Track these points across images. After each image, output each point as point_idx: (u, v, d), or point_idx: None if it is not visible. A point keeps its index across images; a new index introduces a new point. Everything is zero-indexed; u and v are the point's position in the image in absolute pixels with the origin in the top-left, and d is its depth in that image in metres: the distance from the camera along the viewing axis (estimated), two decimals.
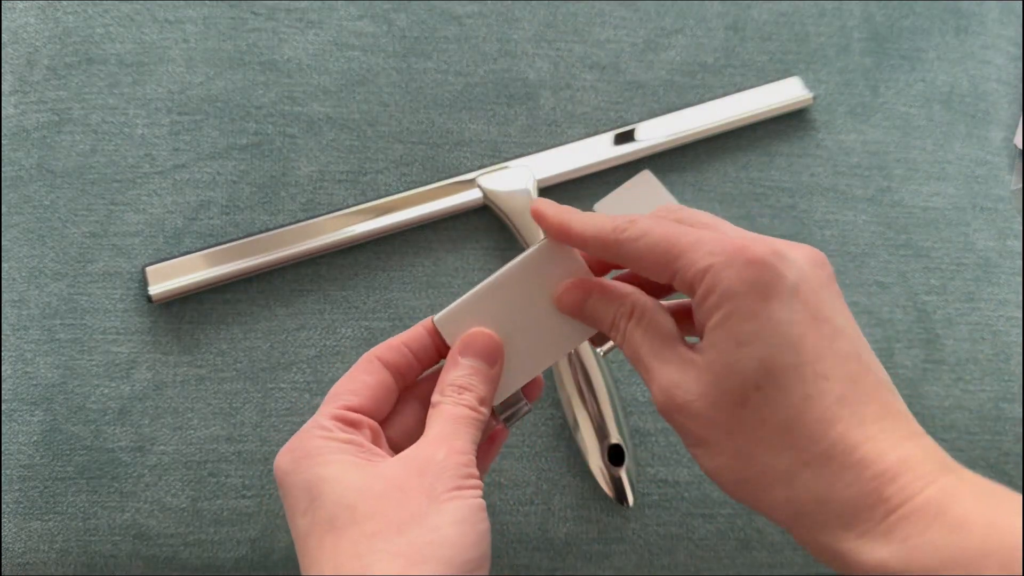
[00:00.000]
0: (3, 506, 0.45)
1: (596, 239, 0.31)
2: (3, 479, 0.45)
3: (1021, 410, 0.53)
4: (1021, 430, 0.53)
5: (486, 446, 0.36)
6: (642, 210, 0.43)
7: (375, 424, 0.33)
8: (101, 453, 0.46)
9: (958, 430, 0.52)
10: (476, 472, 0.30)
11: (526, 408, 0.36)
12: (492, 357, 0.33)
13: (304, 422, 0.47)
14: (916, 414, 0.53)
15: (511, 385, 0.35)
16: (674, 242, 0.29)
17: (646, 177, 0.52)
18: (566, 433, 0.49)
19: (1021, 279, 0.56)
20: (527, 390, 0.36)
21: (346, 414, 0.32)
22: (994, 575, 0.22)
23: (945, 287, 0.55)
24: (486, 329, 0.34)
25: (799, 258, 0.29)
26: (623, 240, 0.30)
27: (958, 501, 0.25)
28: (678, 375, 0.29)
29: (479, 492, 0.30)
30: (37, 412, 0.46)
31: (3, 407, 0.46)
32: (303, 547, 0.29)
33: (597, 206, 0.51)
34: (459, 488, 0.29)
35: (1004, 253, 0.56)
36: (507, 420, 0.35)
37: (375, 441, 0.32)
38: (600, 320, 0.33)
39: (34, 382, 0.46)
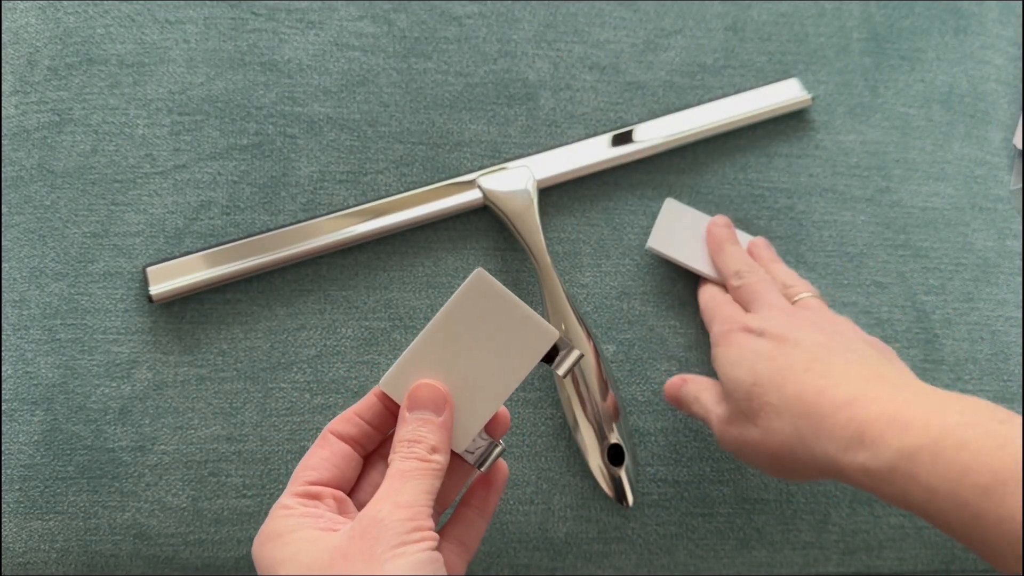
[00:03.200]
0: (3, 506, 0.45)
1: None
2: (3, 479, 0.45)
3: (1021, 410, 0.53)
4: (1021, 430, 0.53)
5: (483, 491, 0.37)
6: (687, 234, 0.52)
7: (339, 493, 0.34)
8: (102, 453, 0.46)
9: None
10: (426, 524, 0.31)
11: (498, 448, 0.36)
12: (438, 405, 0.34)
13: (304, 422, 0.48)
14: None
15: (472, 427, 0.35)
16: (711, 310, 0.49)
17: (672, 205, 0.53)
18: (566, 433, 0.49)
19: (1020, 279, 0.56)
20: (491, 429, 0.36)
21: (307, 488, 0.33)
22: (926, 463, 0.32)
23: (944, 287, 0.55)
24: (427, 380, 0.35)
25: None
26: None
27: (904, 409, 0.34)
28: (709, 407, 0.45)
29: (428, 544, 0.31)
30: (38, 412, 0.46)
31: (4, 407, 0.46)
32: None
33: (649, 246, 0.52)
34: (402, 544, 0.30)
35: (1003, 253, 0.56)
36: (481, 464, 0.36)
37: (341, 509, 0.34)
38: (687, 395, 0.46)
39: (35, 382, 0.46)
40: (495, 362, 0.35)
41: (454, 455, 0.36)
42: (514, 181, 0.51)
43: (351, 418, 0.35)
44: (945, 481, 0.31)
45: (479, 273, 0.35)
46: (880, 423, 0.34)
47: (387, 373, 0.35)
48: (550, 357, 0.36)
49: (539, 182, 0.51)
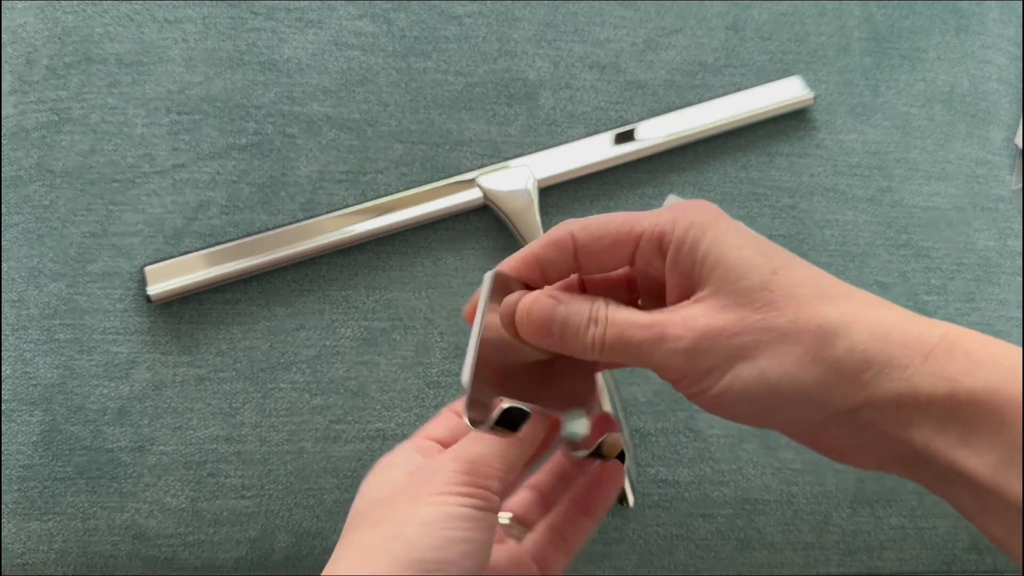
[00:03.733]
0: (2, 506, 0.45)
1: (562, 253, 0.32)
2: (2, 479, 0.45)
3: (1020, 409, 0.53)
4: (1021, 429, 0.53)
5: (588, 489, 0.35)
6: None
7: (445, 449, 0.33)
8: (100, 453, 0.46)
9: None
10: (483, 483, 0.30)
11: (610, 441, 0.34)
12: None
13: (303, 422, 0.48)
14: None
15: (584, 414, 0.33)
16: (629, 219, 0.31)
17: (673, 202, 0.52)
18: None
19: (1021, 279, 0.56)
20: (601, 425, 0.34)
21: (421, 441, 0.33)
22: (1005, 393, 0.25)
23: (946, 287, 0.55)
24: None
25: None
26: (581, 239, 0.31)
27: (963, 342, 0.26)
28: (688, 309, 0.29)
29: (471, 501, 0.29)
30: (36, 412, 0.46)
31: (2, 407, 0.46)
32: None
33: None
34: (444, 493, 0.29)
35: (1005, 253, 0.56)
36: (571, 451, 0.34)
37: None
38: (575, 321, 0.30)
39: (33, 382, 0.46)
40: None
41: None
42: (514, 180, 0.51)
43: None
44: None
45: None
46: (971, 339, 0.26)
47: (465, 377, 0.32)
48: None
49: (540, 181, 0.51)
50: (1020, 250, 0.56)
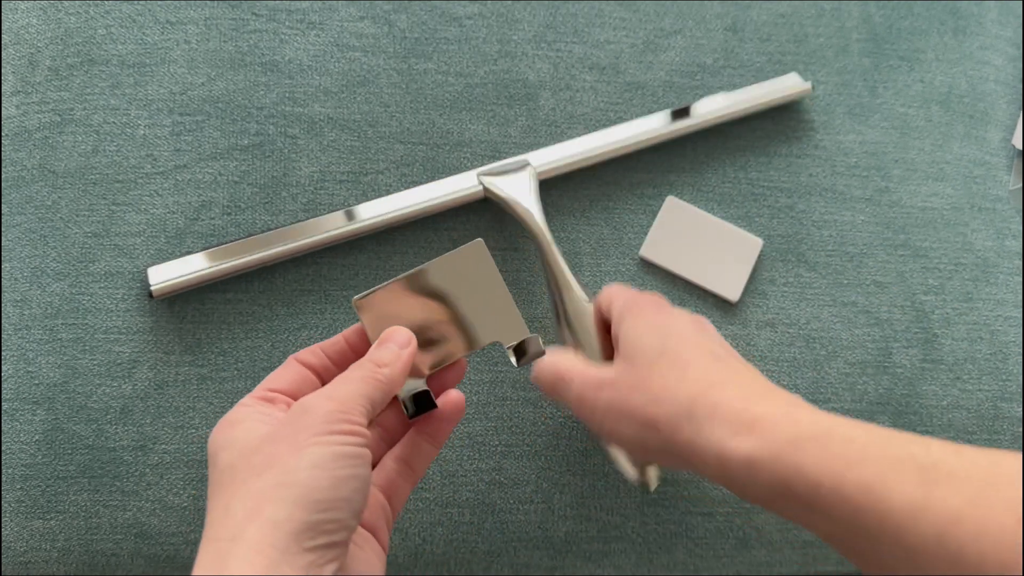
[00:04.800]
0: (5, 505, 0.45)
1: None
2: (5, 478, 0.45)
3: (1020, 409, 0.53)
4: (1020, 429, 0.53)
5: (436, 420, 0.38)
6: (687, 237, 0.52)
7: (292, 400, 0.35)
8: (103, 452, 0.46)
9: (956, 429, 0.52)
10: (355, 419, 0.32)
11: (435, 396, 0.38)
12: (403, 342, 0.37)
13: None
14: (914, 413, 0.54)
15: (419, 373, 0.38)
16: (613, 296, 0.44)
17: (674, 204, 0.53)
18: (566, 432, 0.49)
19: (1019, 279, 0.56)
20: (444, 377, 0.39)
21: (265, 393, 0.35)
22: (814, 452, 0.31)
23: (943, 287, 0.55)
24: (399, 326, 0.37)
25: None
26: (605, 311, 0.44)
27: (795, 408, 0.34)
28: (597, 369, 0.40)
29: (351, 439, 0.32)
30: (39, 411, 0.46)
31: (5, 406, 0.46)
32: (208, 506, 0.32)
33: (641, 254, 0.52)
34: (326, 434, 0.31)
35: (1002, 253, 0.56)
36: (414, 409, 0.38)
37: None
38: (541, 365, 0.42)
39: (36, 381, 0.47)
40: (460, 327, 0.38)
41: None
42: (513, 169, 0.51)
43: (315, 350, 0.38)
44: (829, 473, 0.30)
45: (479, 243, 0.39)
46: (772, 415, 0.33)
47: (362, 293, 0.38)
48: (519, 351, 0.39)
49: (539, 172, 0.51)
50: (1018, 250, 0.57)
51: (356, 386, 0.34)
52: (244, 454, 0.32)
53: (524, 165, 0.51)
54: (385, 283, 0.38)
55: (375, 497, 0.36)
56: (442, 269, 0.38)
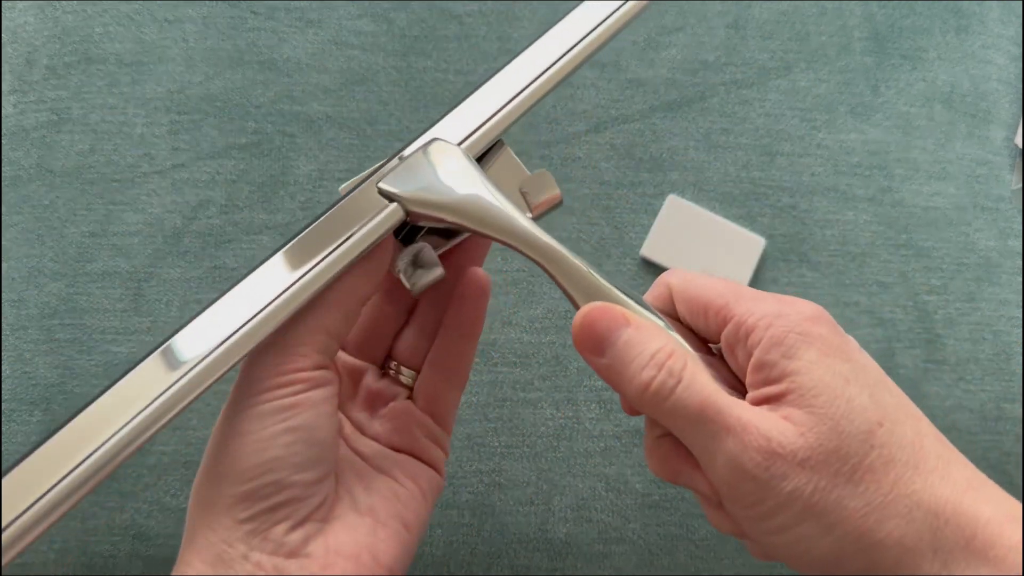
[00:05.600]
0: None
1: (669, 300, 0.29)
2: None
3: (1022, 410, 0.53)
4: (1022, 430, 0.52)
5: (457, 305, 0.32)
6: (688, 236, 0.48)
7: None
8: None
9: (959, 430, 0.52)
10: (292, 368, 0.28)
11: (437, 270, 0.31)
12: None
13: None
14: None
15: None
16: (728, 293, 0.27)
17: (675, 203, 0.53)
18: (566, 433, 0.49)
19: (1022, 279, 0.56)
20: (459, 257, 0.32)
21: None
22: None
23: (946, 287, 0.54)
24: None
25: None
26: (677, 294, 0.28)
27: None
28: (774, 424, 0.24)
29: (282, 392, 0.28)
30: (36, 412, 0.46)
31: (2, 407, 0.46)
32: None
33: (642, 254, 0.52)
34: (253, 395, 0.28)
35: (1005, 253, 0.56)
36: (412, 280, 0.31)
37: None
38: (636, 353, 0.26)
39: (33, 382, 0.46)
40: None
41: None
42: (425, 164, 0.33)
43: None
44: None
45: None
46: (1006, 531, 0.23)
47: (349, 182, 0.33)
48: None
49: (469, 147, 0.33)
50: (1020, 250, 0.56)
51: (302, 324, 0.28)
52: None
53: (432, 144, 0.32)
54: (371, 168, 0.32)
55: (412, 419, 0.32)
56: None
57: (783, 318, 0.25)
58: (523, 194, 0.32)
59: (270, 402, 0.28)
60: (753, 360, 0.25)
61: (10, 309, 0.47)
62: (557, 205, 0.31)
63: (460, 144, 0.33)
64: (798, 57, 0.57)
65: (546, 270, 0.28)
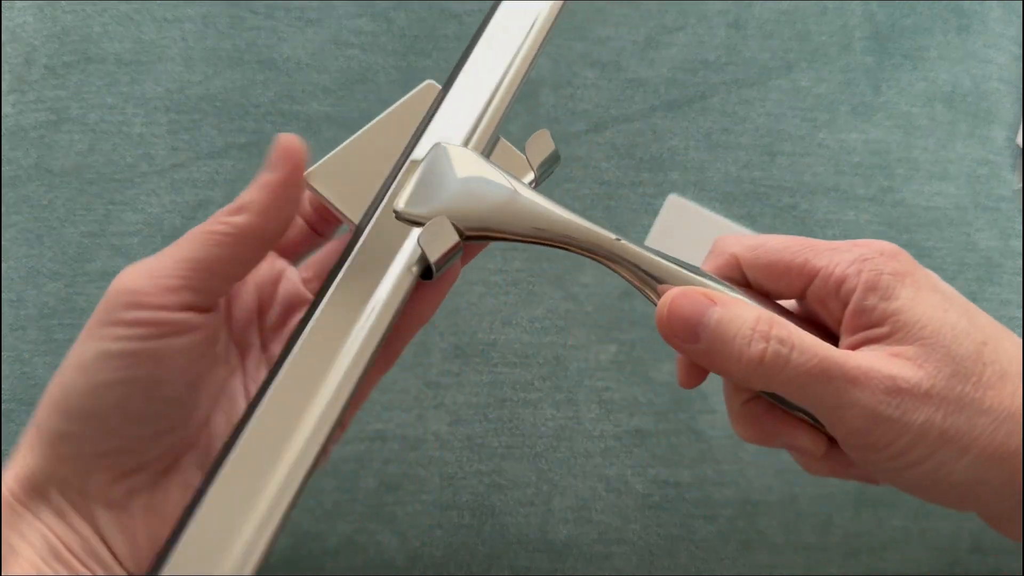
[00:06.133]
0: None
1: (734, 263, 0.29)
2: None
3: (1022, 410, 0.53)
4: (1022, 430, 0.52)
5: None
6: (688, 236, 0.47)
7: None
8: None
9: None
10: (153, 304, 0.25)
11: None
12: (278, 164, 0.27)
13: None
14: None
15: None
16: (804, 249, 0.27)
17: (676, 202, 0.52)
18: (566, 434, 0.49)
19: (1023, 279, 0.56)
20: None
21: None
22: None
23: None
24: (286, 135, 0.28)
25: None
26: (748, 261, 0.28)
27: None
28: (892, 363, 0.24)
29: (133, 332, 0.24)
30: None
31: (1, 408, 0.46)
32: None
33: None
34: (104, 324, 0.25)
35: (1006, 253, 0.56)
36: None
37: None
38: (734, 330, 0.25)
39: (32, 383, 0.46)
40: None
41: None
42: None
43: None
44: None
45: (430, 84, 0.33)
46: None
47: (314, 166, 0.31)
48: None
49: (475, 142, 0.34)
50: (1021, 250, 0.56)
51: (178, 249, 0.26)
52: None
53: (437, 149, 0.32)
54: (336, 149, 0.31)
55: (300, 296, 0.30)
56: (396, 119, 0.33)
57: (869, 261, 0.26)
58: (526, 155, 0.33)
59: (116, 341, 0.24)
60: (851, 308, 0.26)
61: (9, 309, 0.47)
62: (556, 161, 0.33)
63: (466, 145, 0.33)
64: (799, 56, 0.57)
65: (609, 266, 0.28)
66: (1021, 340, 0.26)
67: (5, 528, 0.25)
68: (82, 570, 0.25)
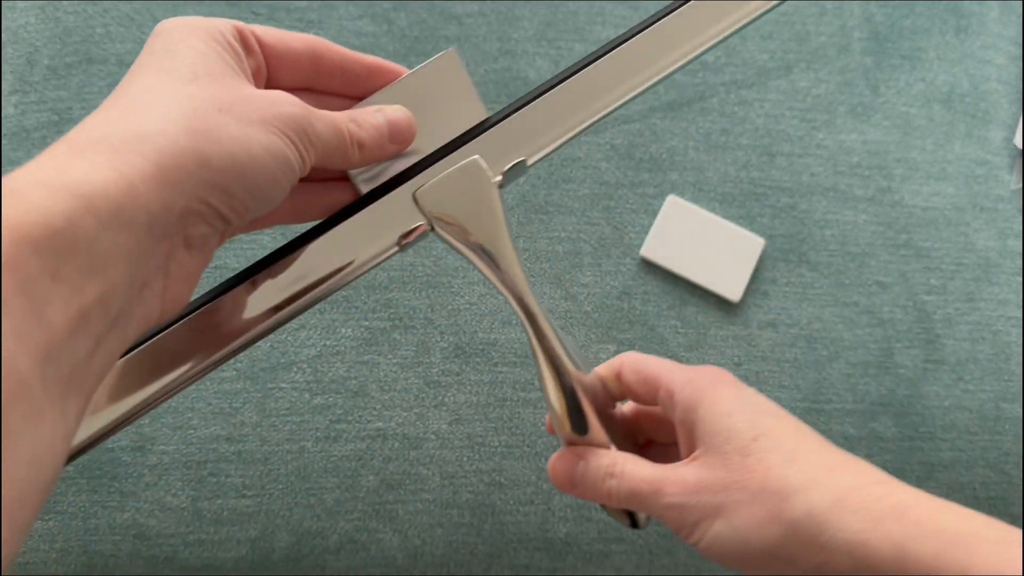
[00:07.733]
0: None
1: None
2: None
3: (1021, 410, 0.53)
4: (1021, 430, 0.53)
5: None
6: (687, 236, 0.50)
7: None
8: (101, 453, 0.46)
9: (958, 430, 0.52)
10: (306, 139, 0.29)
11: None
12: (391, 122, 0.32)
13: (303, 422, 0.48)
14: (916, 414, 0.53)
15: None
16: (664, 370, 0.35)
17: (675, 203, 0.53)
18: None
19: (1021, 279, 0.56)
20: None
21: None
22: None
23: (945, 287, 0.55)
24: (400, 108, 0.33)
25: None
26: (625, 372, 0.36)
27: (913, 510, 0.29)
28: (683, 468, 0.32)
29: (292, 145, 0.28)
30: None
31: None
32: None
33: (642, 254, 0.52)
34: (266, 122, 0.28)
35: (1004, 253, 0.56)
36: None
37: None
38: (593, 476, 0.34)
39: None
40: (430, 134, 0.34)
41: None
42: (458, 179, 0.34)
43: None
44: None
45: (450, 53, 0.35)
46: (921, 507, 0.29)
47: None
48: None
49: (503, 175, 0.34)
50: (1019, 250, 0.56)
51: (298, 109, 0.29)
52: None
53: (472, 165, 0.34)
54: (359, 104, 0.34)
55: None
56: (413, 86, 0.34)
57: (688, 384, 0.33)
58: None
59: (282, 145, 0.28)
60: (676, 418, 0.33)
61: None
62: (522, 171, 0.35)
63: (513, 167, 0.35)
64: (798, 57, 0.58)
65: (526, 328, 0.33)
66: (809, 432, 0.32)
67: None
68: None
